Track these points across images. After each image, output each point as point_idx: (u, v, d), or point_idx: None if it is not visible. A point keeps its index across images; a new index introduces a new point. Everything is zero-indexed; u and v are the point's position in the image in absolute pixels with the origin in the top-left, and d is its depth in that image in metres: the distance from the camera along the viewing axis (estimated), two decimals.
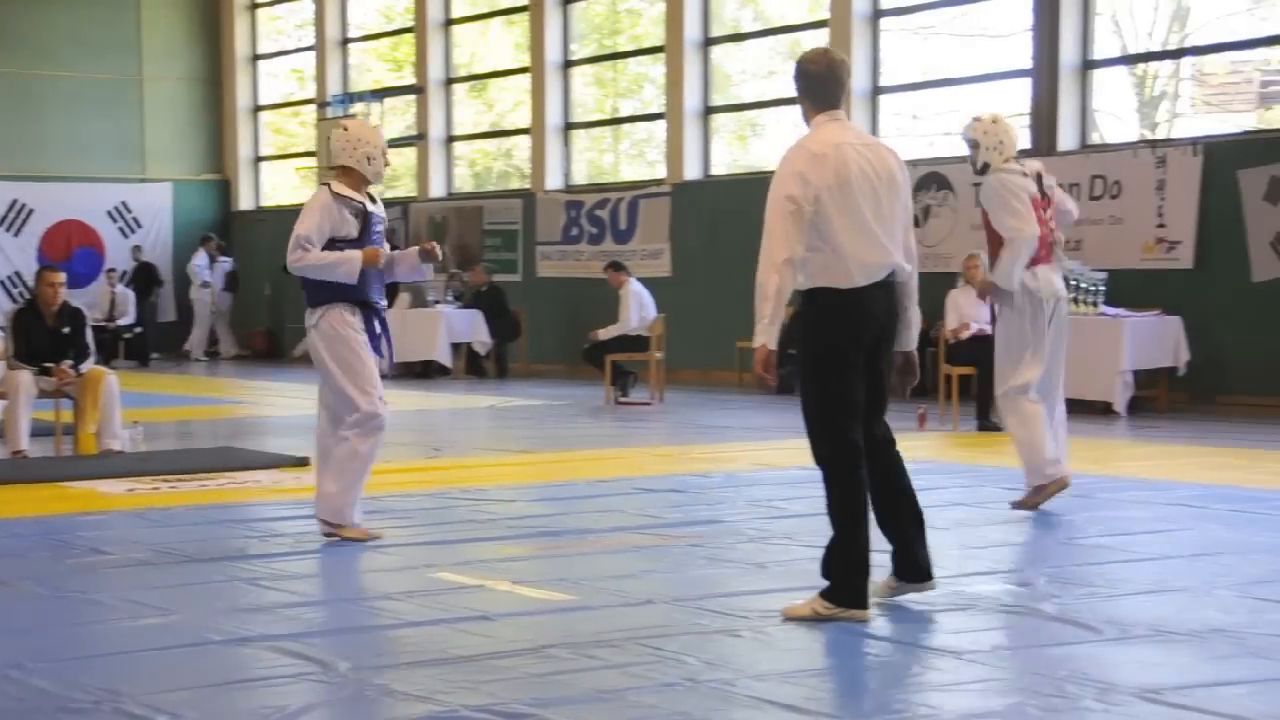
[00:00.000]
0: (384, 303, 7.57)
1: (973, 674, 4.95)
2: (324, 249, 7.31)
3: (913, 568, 5.83)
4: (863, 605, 5.58)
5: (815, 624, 5.56)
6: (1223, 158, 14.61)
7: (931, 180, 16.98)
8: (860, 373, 5.62)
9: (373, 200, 7.52)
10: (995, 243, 8.19)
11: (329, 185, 7.46)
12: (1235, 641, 5.25)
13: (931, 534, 7.50)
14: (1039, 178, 8.29)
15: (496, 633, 5.50)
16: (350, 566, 6.91)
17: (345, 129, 7.52)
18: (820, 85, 5.73)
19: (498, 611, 5.85)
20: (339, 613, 5.89)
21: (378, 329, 7.48)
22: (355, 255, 7.31)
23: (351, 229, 7.36)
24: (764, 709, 4.52)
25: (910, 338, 5.80)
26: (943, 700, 4.66)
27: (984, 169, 8.29)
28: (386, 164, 7.55)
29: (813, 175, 5.57)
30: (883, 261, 5.63)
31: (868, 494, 5.64)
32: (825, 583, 5.65)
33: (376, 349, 7.46)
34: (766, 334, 5.57)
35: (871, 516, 5.69)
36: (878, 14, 17.87)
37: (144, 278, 25.04)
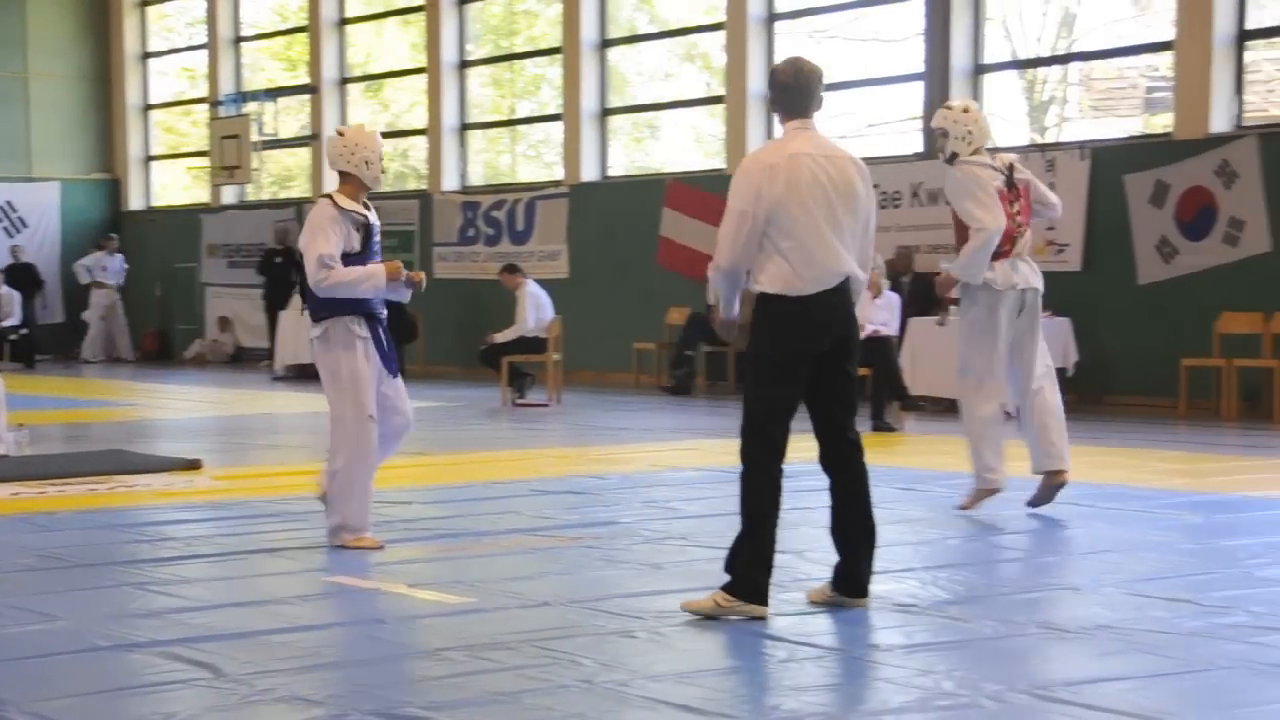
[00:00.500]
0: (385, 313, 7.47)
1: (871, 673, 5.00)
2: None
3: (851, 583, 5.86)
4: (762, 601, 5.63)
5: (712, 624, 5.58)
6: (1109, 162, 14.87)
7: None
8: (797, 381, 5.69)
9: (368, 208, 7.41)
10: (964, 235, 8.05)
11: (331, 198, 7.35)
12: (1121, 638, 5.34)
13: (825, 534, 7.56)
14: (1010, 169, 8.09)
15: (391, 636, 5.46)
16: (243, 571, 6.84)
17: (341, 135, 7.41)
18: (788, 95, 5.81)
19: (393, 614, 5.81)
20: (230, 617, 5.82)
21: (384, 341, 7.38)
22: (379, 270, 7.26)
23: (355, 242, 7.26)
24: (659, 710, 4.53)
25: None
26: (837, 699, 4.69)
27: (951, 159, 8.12)
28: (384, 169, 7.43)
29: (765, 187, 5.65)
30: (835, 269, 5.69)
31: (779, 496, 5.73)
32: (727, 578, 5.69)
33: (386, 362, 7.37)
34: (726, 312, 5.88)
35: (782, 517, 5.77)
36: (773, 17, 17.99)
37: (23, 278, 24.48)
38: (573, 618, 5.73)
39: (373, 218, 7.38)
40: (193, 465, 10.25)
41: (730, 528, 7.82)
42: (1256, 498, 8.62)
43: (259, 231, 23.68)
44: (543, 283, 16.97)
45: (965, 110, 8.17)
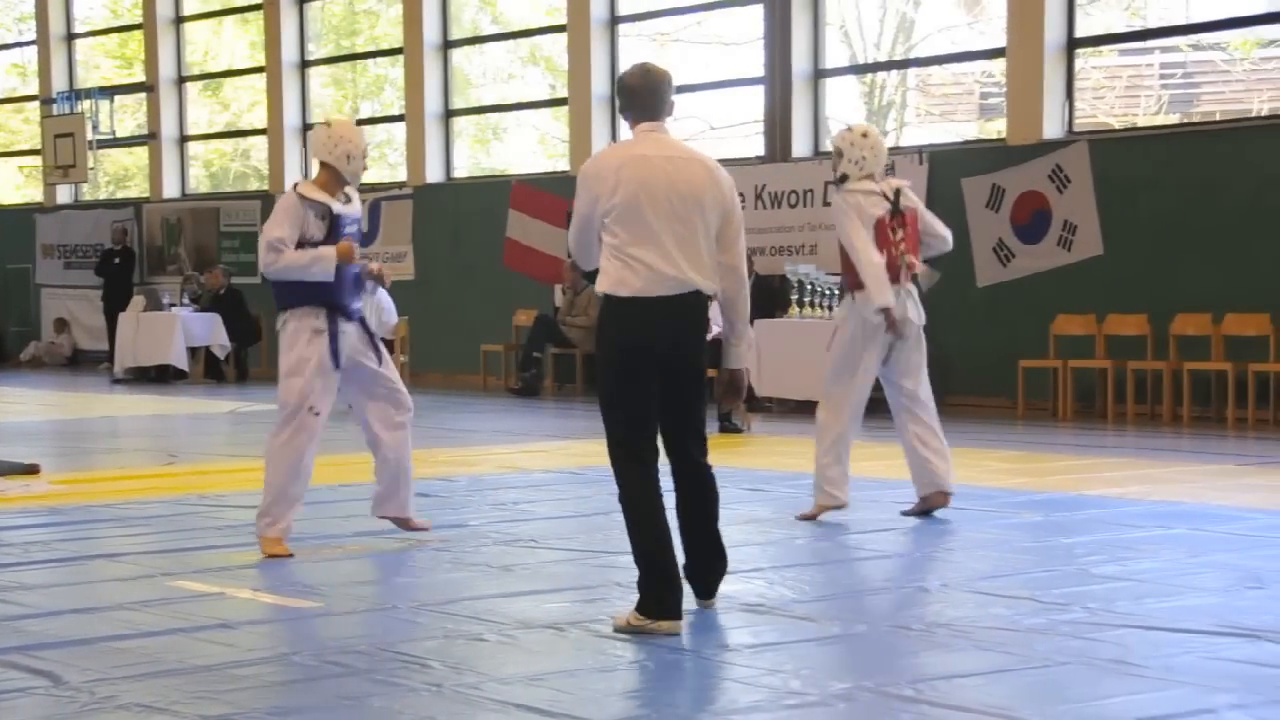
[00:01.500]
0: (358, 306, 7.35)
1: (719, 673, 5.04)
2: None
3: (699, 586, 5.78)
4: (671, 616, 5.46)
5: (559, 627, 5.59)
6: (947, 166, 15.17)
7: None
8: (640, 382, 5.54)
9: (347, 199, 7.32)
10: (846, 259, 8.00)
11: (296, 187, 7.28)
12: (963, 635, 5.45)
13: (674, 535, 7.60)
14: (896, 195, 8.02)
15: (237, 641, 5.38)
16: (83, 577, 6.68)
17: (329, 125, 7.34)
18: (635, 98, 5.73)
19: (238, 619, 5.73)
20: (70, 624, 5.69)
21: (343, 335, 7.22)
22: (329, 251, 7.13)
23: (317, 232, 7.17)
24: (509, 712, 4.53)
25: (737, 355, 5.78)
26: (686, 699, 4.73)
27: (841, 180, 8.04)
28: (365, 166, 7.33)
29: (598, 186, 5.58)
30: (671, 275, 5.52)
31: (658, 504, 5.53)
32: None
33: (336, 359, 7.20)
34: None
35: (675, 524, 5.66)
36: (615, 20, 18.06)
37: None
38: (421, 621, 5.70)
39: (340, 207, 7.24)
40: (30, 470, 10.01)
41: (580, 530, 7.88)
42: (1092, 496, 8.85)
43: (97, 231, 23.18)
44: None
45: (864, 135, 8.05)
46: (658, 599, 5.47)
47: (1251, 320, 13.09)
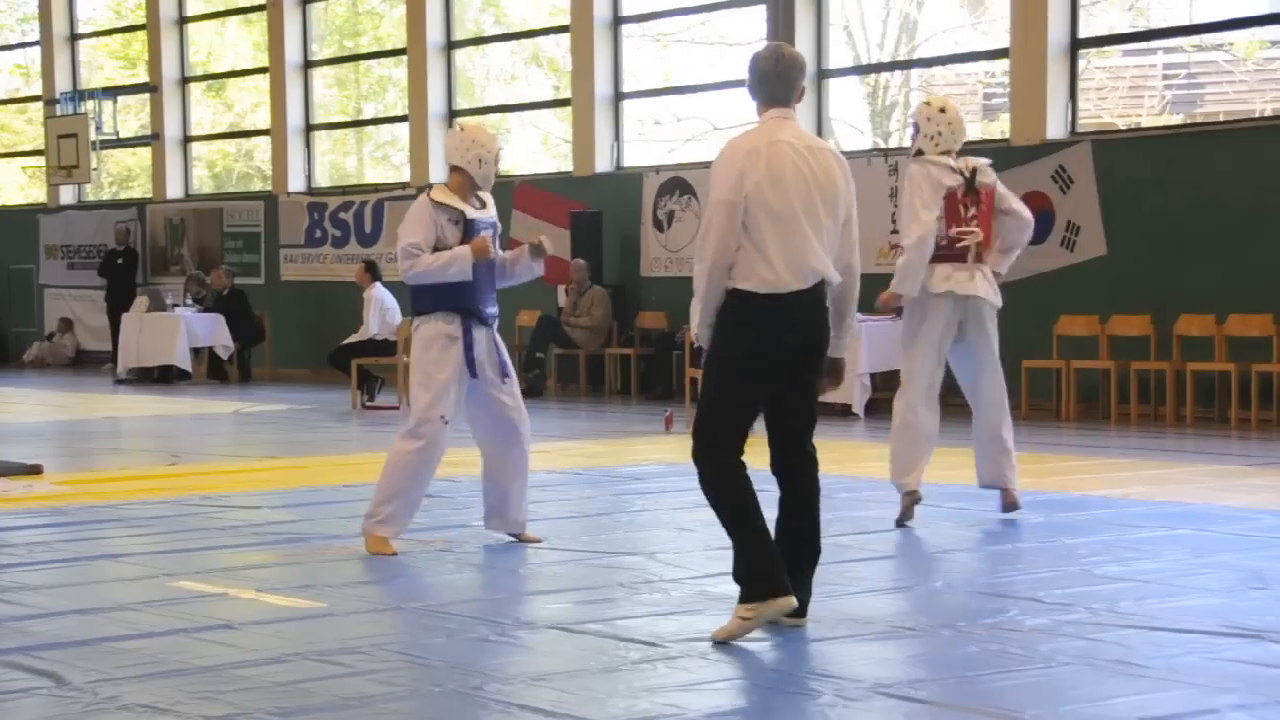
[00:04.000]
0: (493, 311, 7.35)
1: (717, 673, 5.04)
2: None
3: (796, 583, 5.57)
4: (781, 591, 5.30)
5: (565, 627, 5.59)
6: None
7: (674, 185, 17.22)
8: (763, 381, 5.40)
9: (481, 204, 7.31)
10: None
11: (429, 192, 7.29)
12: (966, 635, 5.45)
13: (678, 535, 7.61)
14: (973, 173, 7.83)
15: (239, 641, 5.39)
16: (86, 578, 6.69)
17: (462, 129, 7.38)
18: (766, 82, 5.51)
19: (241, 620, 5.73)
20: (73, 625, 5.70)
21: (476, 344, 7.23)
22: (464, 250, 7.09)
23: (451, 237, 7.15)
24: (512, 713, 4.53)
25: (841, 345, 5.61)
26: (689, 700, 4.73)
27: (917, 154, 7.88)
28: (497, 171, 7.32)
29: (748, 171, 5.34)
30: (810, 267, 5.38)
31: (750, 488, 5.38)
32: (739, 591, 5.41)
33: (471, 368, 7.21)
34: (702, 336, 5.48)
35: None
36: (618, 20, 18.06)
37: None
38: (425, 621, 5.70)
39: (473, 212, 7.22)
40: (33, 470, 10.01)
41: (584, 530, 7.88)
42: (1095, 496, 8.84)
43: (100, 232, 23.20)
44: (392, 285, 16.85)
45: (942, 110, 7.89)
46: (764, 577, 5.29)
47: (1255, 321, 13.08)
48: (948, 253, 7.80)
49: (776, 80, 5.51)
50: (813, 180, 5.42)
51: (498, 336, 7.42)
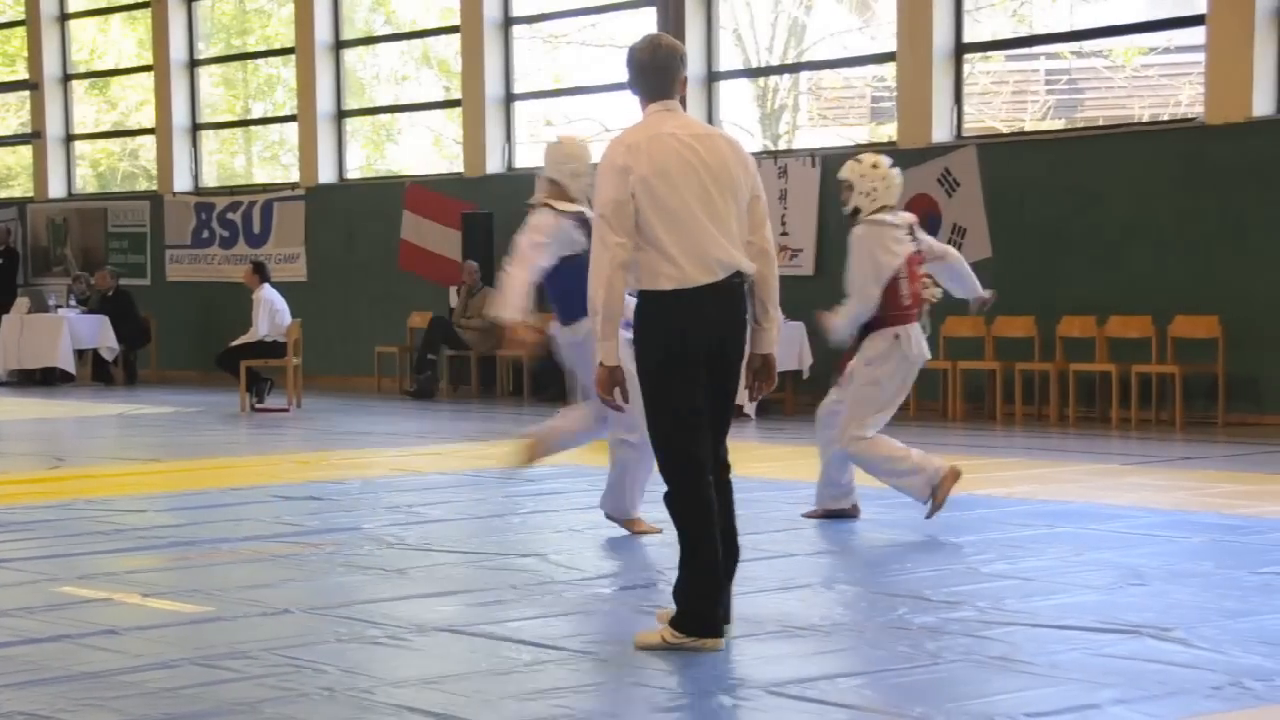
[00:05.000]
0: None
1: (609, 675, 5.05)
2: (555, 267, 7.30)
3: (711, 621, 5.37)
4: (713, 634, 5.18)
5: (454, 629, 5.58)
6: (839, 169, 15.26)
7: None
8: (691, 379, 5.18)
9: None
10: (888, 293, 7.77)
11: (549, 206, 7.36)
12: (855, 634, 5.51)
13: (570, 537, 7.62)
14: (910, 230, 7.87)
15: (125, 647, 5.32)
16: None
17: (560, 143, 7.64)
18: (645, 75, 5.31)
19: (126, 625, 5.66)
20: None
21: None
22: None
23: (582, 238, 7.08)
24: (403, 716, 4.51)
25: (768, 339, 5.40)
26: (581, 702, 4.74)
27: (854, 214, 7.88)
28: (590, 184, 7.03)
29: (631, 168, 5.14)
30: (714, 258, 5.16)
31: (711, 513, 5.19)
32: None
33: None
34: (603, 352, 5.19)
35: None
36: (509, 21, 18.03)
37: None
38: (314, 625, 5.67)
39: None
40: None
41: (475, 532, 7.87)
42: (980, 496, 8.96)
43: None
44: (282, 286, 16.70)
45: (874, 166, 7.89)
46: (700, 614, 5.17)
47: (1134, 322, 13.34)
48: (907, 313, 7.85)
49: (654, 72, 5.32)
50: (704, 169, 5.20)
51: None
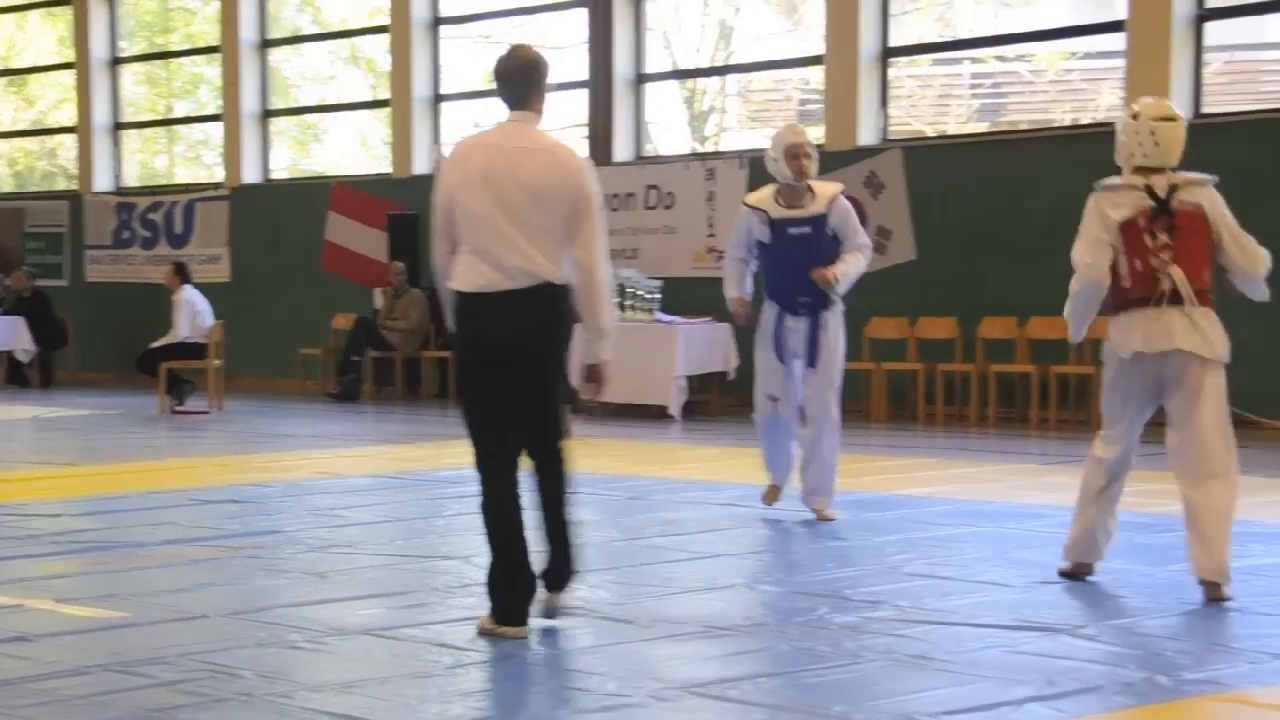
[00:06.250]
0: (804, 300, 7.96)
1: (526, 677, 5.03)
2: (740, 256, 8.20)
3: (554, 577, 5.63)
4: (514, 622, 5.43)
5: (378, 633, 5.55)
6: (767, 171, 15.32)
7: None
8: (492, 379, 5.45)
9: (794, 203, 8.05)
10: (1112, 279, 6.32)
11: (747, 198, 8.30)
12: (775, 634, 5.53)
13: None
14: (1171, 192, 6.18)
15: (36, 654, 5.24)
16: None
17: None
18: (501, 84, 5.57)
19: (38, 632, 5.57)
20: None
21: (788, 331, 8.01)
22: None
23: (763, 235, 8.04)
24: None
25: (592, 349, 5.60)
26: (500, 704, 4.72)
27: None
28: (803, 168, 8.07)
29: (449, 174, 5.50)
30: (514, 266, 5.39)
31: (516, 508, 5.46)
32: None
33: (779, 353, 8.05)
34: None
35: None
36: (438, 21, 17.96)
37: None
38: (233, 630, 5.61)
39: (781, 213, 8.03)
40: None
41: (398, 535, 7.83)
42: (902, 496, 9.03)
43: None
44: (204, 286, 16.56)
45: (1134, 116, 6.35)
46: (502, 604, 5.45)
47: (1054, 324, 13.36)
48: None
49: (508, 83, 5.56)
50: (517, 181, 5.40)
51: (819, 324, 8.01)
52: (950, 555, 7.03)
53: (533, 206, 5.42)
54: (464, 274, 5.45)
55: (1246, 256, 6.11)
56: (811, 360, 7.95)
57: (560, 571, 5.62)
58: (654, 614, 5.84)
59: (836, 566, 6.86)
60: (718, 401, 14.82)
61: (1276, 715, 4.55)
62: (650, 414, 14.20)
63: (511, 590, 5.46)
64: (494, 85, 5.62)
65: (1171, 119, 6.24)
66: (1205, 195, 6.14)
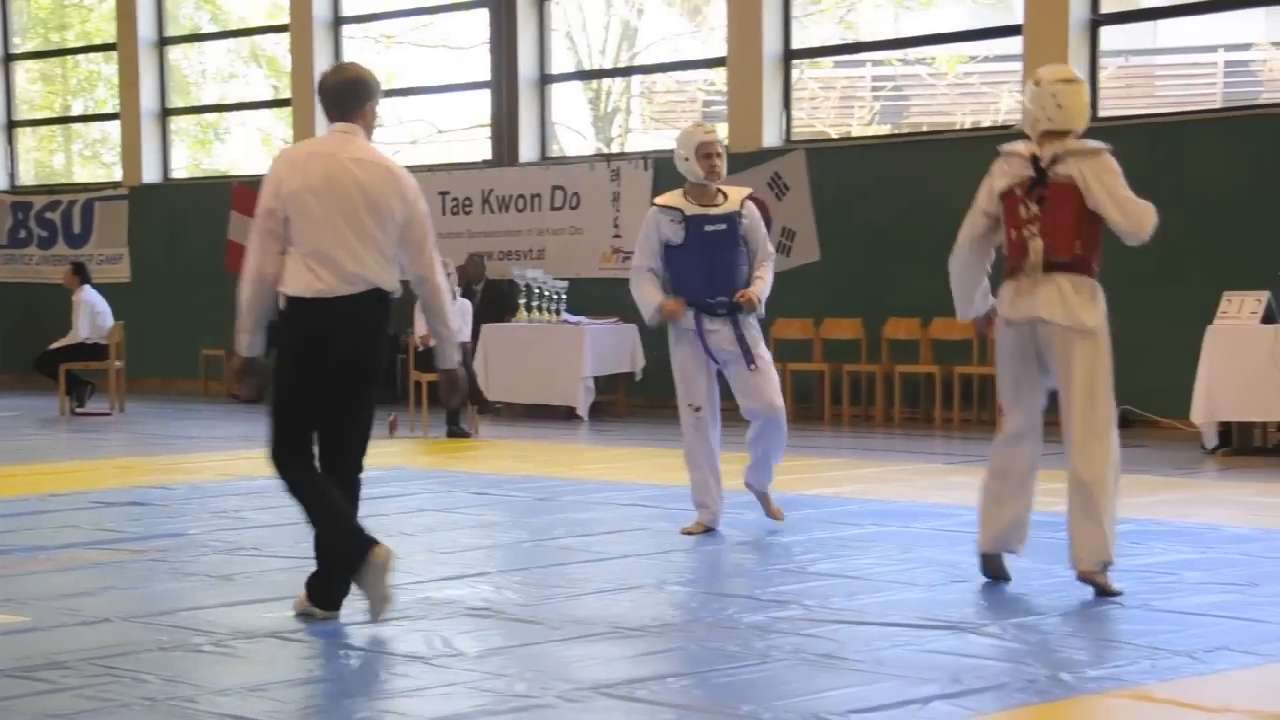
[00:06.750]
0: (721, 302, 7.76)
1: (441, 678, 5.02)
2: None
3: (325, 598, 5.80)
4: (325, 606, 5.75)
5: (284, 636, 5.51)
6: (672, 172, 15.29)
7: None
8: (318, 385, 5.61)
9: (709, 202, 7.90)
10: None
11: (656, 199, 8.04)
12: (683, 634, 5.55)
13: (401, 540, 7.57)
14: (1053, 161, 6.16)
15: None
16: None
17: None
18: (326, 96, 5.75)
19: None
20: None
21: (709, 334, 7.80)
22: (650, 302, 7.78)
23: (674, 235, 7.82)
24: None
25: (445, 355, 5.83)
26: (411, 706, 4.71)
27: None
28: (713, 167, 7.92)
29: (285, 181, 5.58)
30: (352, 272, 5.56)
31: (322, 497, 5.72)
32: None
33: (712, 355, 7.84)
34: (241, 344, 5.71)
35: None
36: (339, 20, 17.84)
37: None
38: (136, 634, 5.55)
39: (696, 209, 7.84)
40: None
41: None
42: (809, 496, 9.10)
43: None
44: (103, 287, 16.33)
45: (1036, 83, 6.26)
46: (317, 594, 5.76)
47: (957, 325, 13.53)
48: None
49: (332, 96, 5.73)
50: (357, 190, 5.58)
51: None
52: (857, 555, 7.09)
53: (370, 217, 5.59)
54: (300, 278, 5.56)
55: (1129, 219, 6.09)
56: (749, 360, 7.88)
57: (337, 587, 5.77)
58: (563, 615, 5.84)
59: (744, 566, 6.90)
60: (625, 402, 14.84)
61: (1175, 710, 4.63)
62: (558, 414, 14.20)
63: (323, 574, 5.74)
64: (320, 97, 5.79)
65: (1072, 80, 6.27)
66: (1087, 165, 6.12)
